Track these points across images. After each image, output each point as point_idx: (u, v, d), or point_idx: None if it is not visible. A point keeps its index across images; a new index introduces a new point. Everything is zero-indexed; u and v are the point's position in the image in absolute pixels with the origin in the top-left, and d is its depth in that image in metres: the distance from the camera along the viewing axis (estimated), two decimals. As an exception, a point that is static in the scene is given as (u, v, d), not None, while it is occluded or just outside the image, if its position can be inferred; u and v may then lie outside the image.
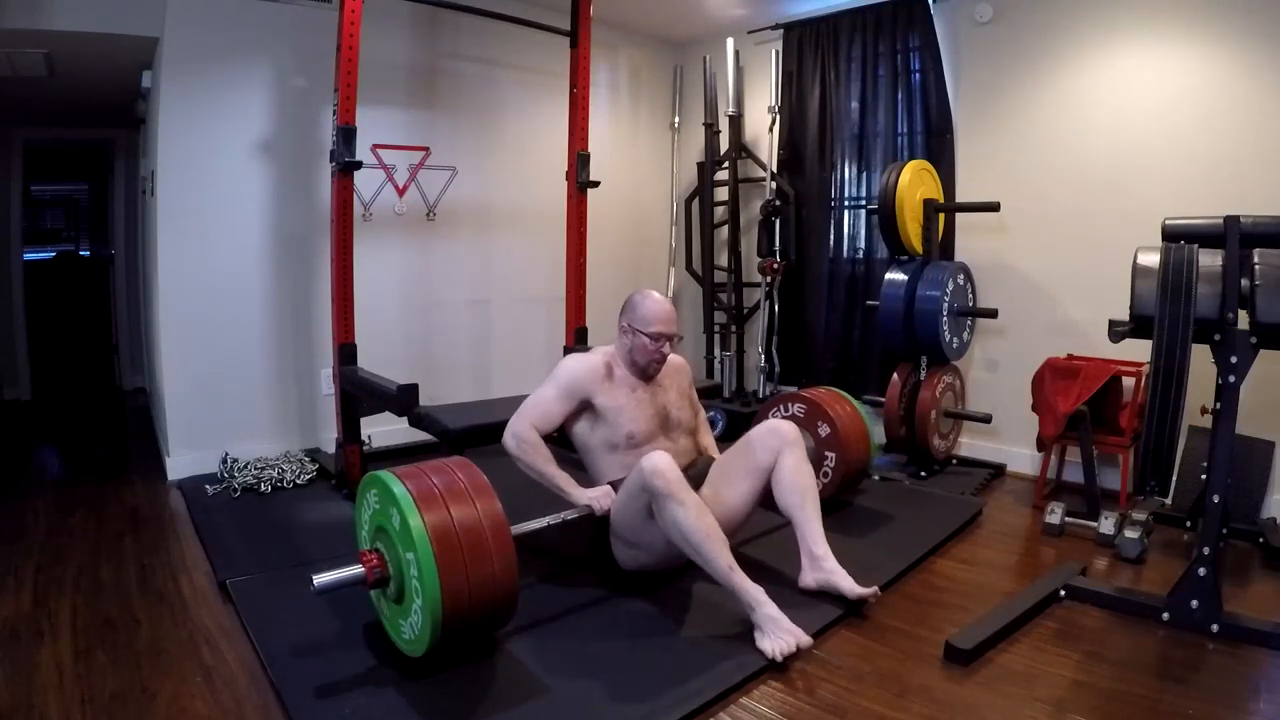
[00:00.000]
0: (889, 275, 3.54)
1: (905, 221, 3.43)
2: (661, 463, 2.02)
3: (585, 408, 2.30)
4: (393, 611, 1.87)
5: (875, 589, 2.17)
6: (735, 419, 3.95)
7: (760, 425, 2.39)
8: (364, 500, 1.97)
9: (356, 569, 1.82)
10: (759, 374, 4.36)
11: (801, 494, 2.24)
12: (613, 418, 2.28)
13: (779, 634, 1.92)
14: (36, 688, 1.77)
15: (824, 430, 2.84)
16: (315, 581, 1.76)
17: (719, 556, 1.98)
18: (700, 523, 1.99)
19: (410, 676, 1.81)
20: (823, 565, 2.19)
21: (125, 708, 1.70)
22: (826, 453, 2.85)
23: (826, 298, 4.22)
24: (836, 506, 2.90)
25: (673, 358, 2.41)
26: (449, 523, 1.74)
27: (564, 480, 2.22)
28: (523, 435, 2.22)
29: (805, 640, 1.92)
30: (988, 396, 3.71)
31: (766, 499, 2.32)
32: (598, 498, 2.19)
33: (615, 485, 2.27)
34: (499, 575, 1.78)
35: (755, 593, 1.97)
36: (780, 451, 2.28)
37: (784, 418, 2.88)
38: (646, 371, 2.33)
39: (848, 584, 2.15)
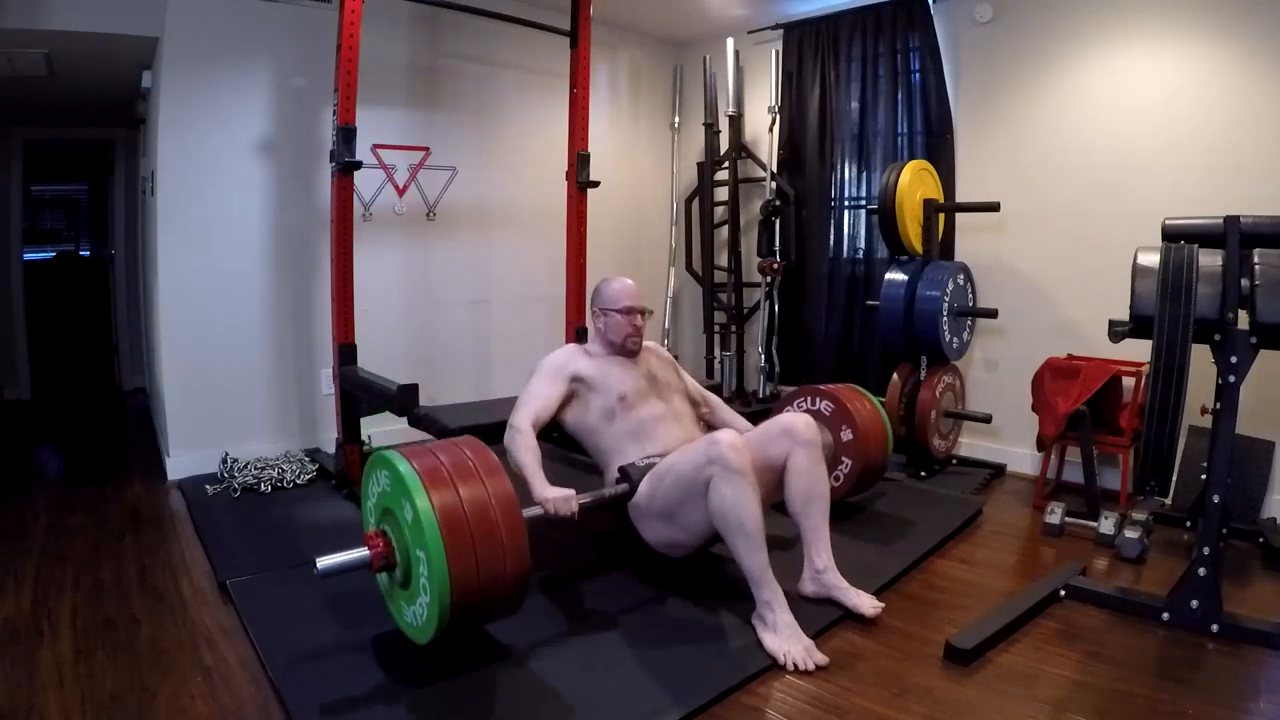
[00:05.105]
0: (889, 275, 3.54)
1: (905, 221, 3.43)
2: (739, 441, 2.00)
3: (574, 389, 2.33)
4: (398, 595, 1.81)
5: (878, 608, 2.14)
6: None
7: (775, 421, 2.30)
8: (371, 479, 1.90)
9: (362, 553, 1.76)
10: (759, 374, 4.36)
11: (809, 502, 2.18)
12: (601, 383, 2.32)
13: (794, 641, 1.92)
14: (36, 688, 1.77)
15: (846, 435, 2.74)
16: (319, 565, 1.72)
17: (763, 549, 1.96)
18: (760, 510, 1.96)
19: (410, 675, 1.81)
20: (822, 579, 2.17)
21: (125, 708, 1.71)
22: (844, 458, 2.76)
23: (826, 298, 4.22)
24: (841, 509, 2.88)
25: (647, 343, 2.49)
26: (458, 506, 1.67)
27: (533, 474, 2.10)
28: (518, 427, 2.21)
29: (821, 660, 1.90)
30: (988, 396, 3.71)
31: (778, 500, 2.27)
32: (556, 500, 2.02)
33: (626, 470, 2.24)
34: (510, 561, 1.71)
35: (780, 596, 1.97)
36: (792, 452, 2.19)
37: (809, 410, 2.78)
38: (625, 348, 2.40)
39: (851, 600, 2.14)
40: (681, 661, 1.89)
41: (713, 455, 1.97)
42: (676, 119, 4.88)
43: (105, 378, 5.51)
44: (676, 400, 2.44)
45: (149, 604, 2.21)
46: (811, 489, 2.18)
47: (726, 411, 2.69)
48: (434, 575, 1.64)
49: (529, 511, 1.93)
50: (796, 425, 2.23)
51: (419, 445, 1.86)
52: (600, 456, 2.38)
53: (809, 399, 2.87)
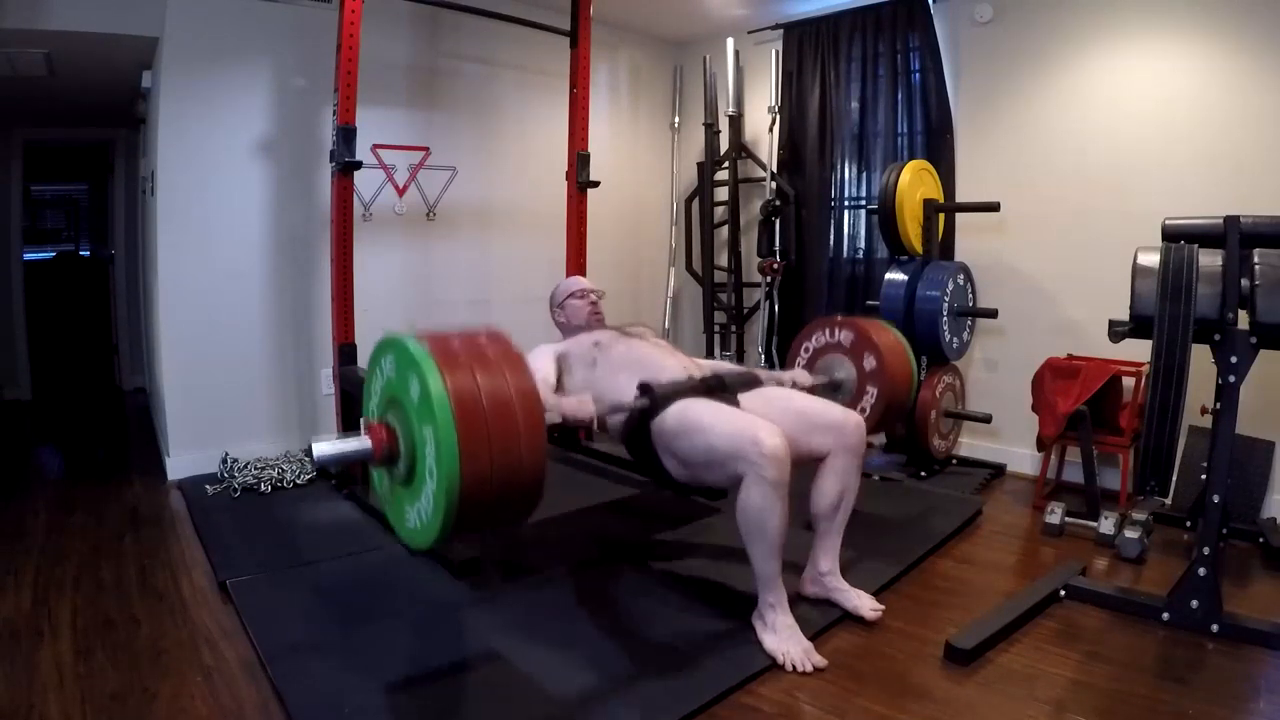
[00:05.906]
0: (889, 275, 3.54)
1: (905, 221, 3.43)
2: (783, 450, 1.86)
3: (559, 365, 2.34)
4: (399, 495, 1.62)
5: (878, 611, 2.14)
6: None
7: (826, 410, 2.18)
8: (376, 370, 1.68)
9: (363, 441, 1.58)
10: (759, 374, 4.36)
11: (836, 507, 2.15)
12: (575, 348, 2.36)
13: (793, 642, 1.92)
14: (36, 688, 1.77)
15: (870, 363, 2.64)
16: (315, 451, 1.54)
17: (779, 556, 1.93)
18: (784, 522, 1.89)
19: (410, 675, 1.81)
20: (824, 581, 2.17)
21: (125, 708, 1.71)
22: (869, 387, 2.64)
23: (826, 298, 4.22)
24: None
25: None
26: (473, 388, 1.45)
27: (545, 391, 2.00)
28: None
29: (820, 662, 1.90)
30: (988, 396, 3.71)
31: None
32: (574, 404, 1.98)
33: (647, 384, 2.10)
34: (526, 457, 1.48)
35: (784, 600, 1.97)
36: (835, 452, 2.12)
37: (828, 343, 2.74)
38: (589, 327, 2.51)
39: (851, 602, 2.14)
40: (682, 661, 1.89)
41: (752, 457, 1.85)
42: (676, 119, 4.88)
43: (105, 378, 5.51)
44: (652, 336, 2.48)
45: (149, 604, 2.21)
46: (844, 494, 2.15)
47: (726, 365, 2.54)
48: (443, 458, 1.41)
49: (546, 418, 1.74)
50: (848, 426, 2.13)
51: (433, 333, 1.64)
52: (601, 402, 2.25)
53: (827, 330, 2.77)
